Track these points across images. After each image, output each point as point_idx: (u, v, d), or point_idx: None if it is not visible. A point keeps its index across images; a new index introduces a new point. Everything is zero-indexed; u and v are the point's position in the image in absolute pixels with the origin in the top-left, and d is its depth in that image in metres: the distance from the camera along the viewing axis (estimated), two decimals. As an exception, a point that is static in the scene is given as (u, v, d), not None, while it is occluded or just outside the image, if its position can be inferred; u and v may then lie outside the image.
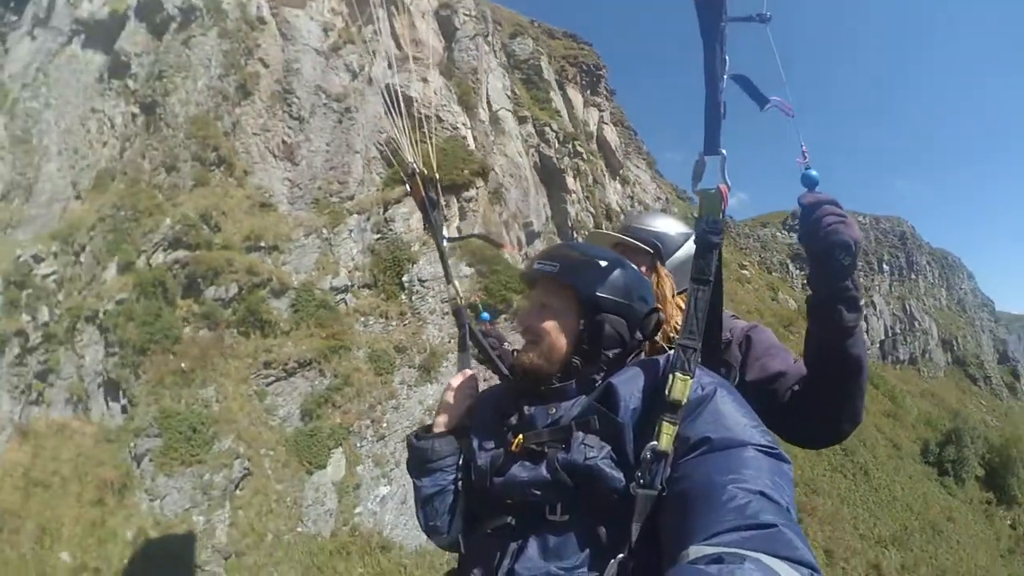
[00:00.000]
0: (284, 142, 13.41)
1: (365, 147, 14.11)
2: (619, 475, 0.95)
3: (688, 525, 0.80)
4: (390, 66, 14.29)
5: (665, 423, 0.93)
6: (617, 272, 1.17)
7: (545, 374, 1.14)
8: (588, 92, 26.82)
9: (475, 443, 1.22)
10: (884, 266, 52.30)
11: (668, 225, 1.66)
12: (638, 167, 30.45)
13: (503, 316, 11.85)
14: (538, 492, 1.02)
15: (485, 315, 1.77)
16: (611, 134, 27.23)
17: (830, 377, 1.22)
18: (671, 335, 1.34)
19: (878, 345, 42.39)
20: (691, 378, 0.96)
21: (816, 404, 1.26)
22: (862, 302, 1.17)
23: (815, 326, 1.21)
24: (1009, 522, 22.25)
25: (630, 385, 1.04)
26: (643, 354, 1.23)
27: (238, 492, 8.44)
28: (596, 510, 0.97)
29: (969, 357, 46.65)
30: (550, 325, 1.16)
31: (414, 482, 1.33)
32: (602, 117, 27.02)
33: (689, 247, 1.46)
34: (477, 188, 14.18)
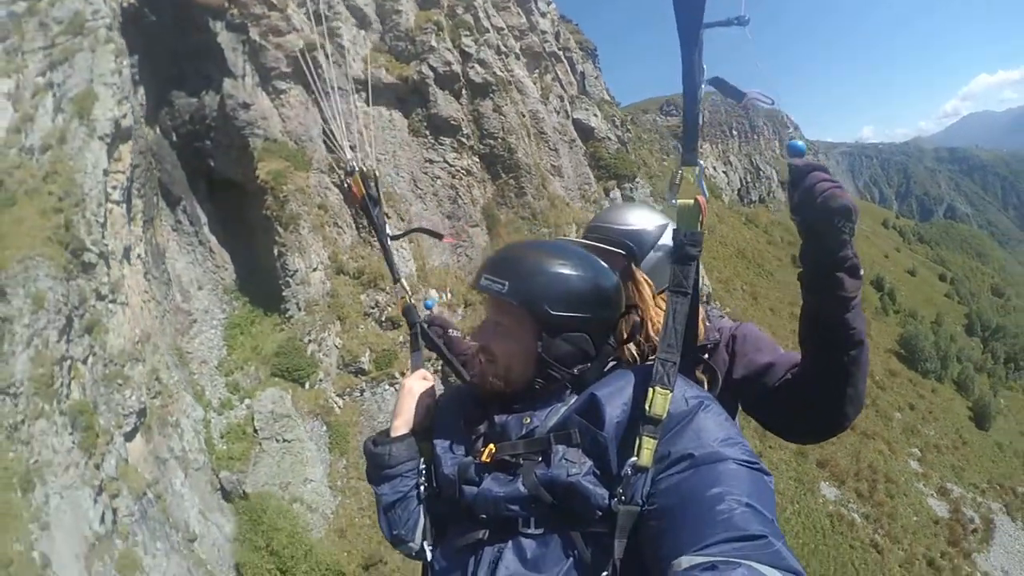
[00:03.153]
0: (552, 165, 24.45)
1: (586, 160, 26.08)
2: (602, 491, 1.00)
3: (677, 537, 0.88)
4: (570, 104, 26.29)
5: (645, 438, 0.99)
6: (575, 279, 1.17)
7: (508, 396, 1.20)
8: (591, 66, 39.46)
9: (439, 449, 1.27)
10: (733, 132, 78.44)
11: (642, 219, 1.65)
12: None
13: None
14: (514, 507, 1.06)
15: (429, 302, 1.86)
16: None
17: (829, 355, 1.25)
18: (654, 338, 1.31)
19: (736, 191, 68.20)
20: (671, 392, 1.03)
21: (815, 389, 1.30)
22: (862, 271, 1.19)
23: (813, 299, 1.23)
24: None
25: (615, 398, 1.08)
26: (620, 359, 1.27)
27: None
28: (574, 525, 1.02)
29: (796, 196, 77.97)
30: (505, 347, 1.20)
31: (374, 490, 1.36)
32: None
33: (668, 239, 1.46)
34: (638, 178, 27.64)
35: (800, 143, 1.20)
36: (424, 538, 1.28)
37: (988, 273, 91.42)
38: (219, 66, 22.04)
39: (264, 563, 14.69)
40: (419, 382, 1.47)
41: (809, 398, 1.31)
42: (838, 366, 1.25)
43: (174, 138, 23.33)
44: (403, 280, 1.75)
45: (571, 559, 1.01)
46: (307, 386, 18.13)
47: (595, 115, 27.00)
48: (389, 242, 1.80)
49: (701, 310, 1.43)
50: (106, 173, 18.15)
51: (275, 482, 16.38)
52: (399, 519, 1.31)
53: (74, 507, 12.83)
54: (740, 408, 1.50)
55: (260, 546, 14.88)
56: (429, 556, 1.25)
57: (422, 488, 1.30)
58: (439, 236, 2.27)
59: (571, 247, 1.29)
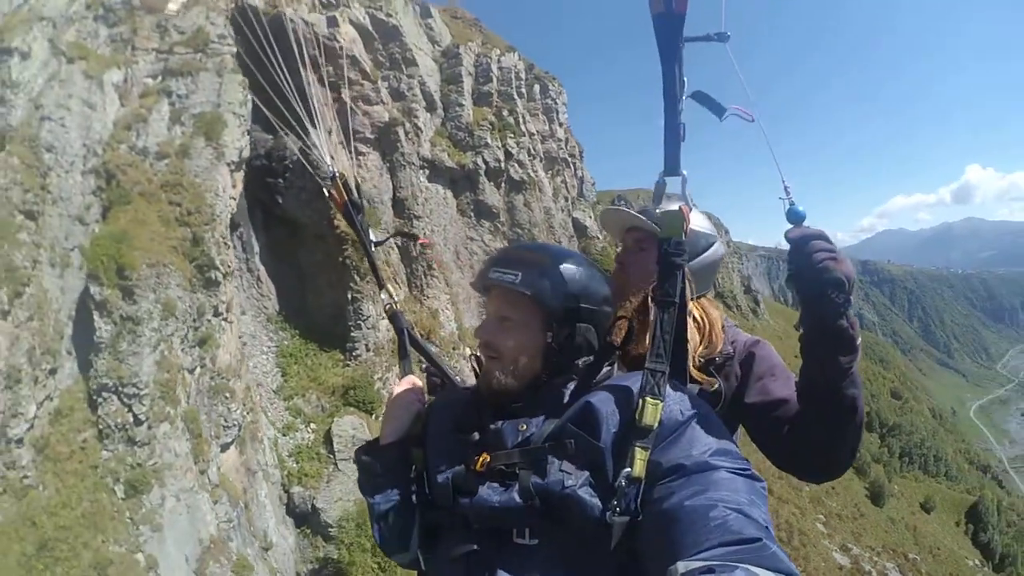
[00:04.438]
0: (562, 253, 31.57)
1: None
2: (596, 503, 1.04)
3: (672, 544, 0.91)
4: (572, 204, 34.30)
5: (637, 448, 1.04)
6: (581, 272, 1.23)
7: (514, 393, 1.23)
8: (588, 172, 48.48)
9: (431, 457, 1.31)
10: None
11: (697, 220, 1.61)
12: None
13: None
14: (508, 517, 1.11)
15: None
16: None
17: (825, 417, 1.32)
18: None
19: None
20: (661, 402, 1.07)
21: (813, 442, 1.37)
22: (858, 341, 1.23)
23: (809, 366, 1.30)
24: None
25: (610, 407, 1.12)
26: (616, 364, 1.33)
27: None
28: (568, 535, 1.06)
29: (725, 292, 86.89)
30: (513, 341, 1.23)
31: (367, 500, 1.40)
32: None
33: (715, 252, 1.60)
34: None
35: (800, 209, 1.20)
36: (417, 547, 1.32)
37: (889, 378, 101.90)
38: (307, 114, 26.30)
39: (369, 562, 17.54)
40: (408, 389, 1.52)
41: (809, 449, 1.38)
42: (834, 428, 1.33)
43: (244, 168, 23.42)
44: (388, 286, 1.92)
45: (565, 570, 1.05)
46: (374, 417, 22.67)
47: (590, 216, 34.94)
48: (372, 248, 1.92)
49: (719, 319, 1.58)
50: (231, 198, 19.66)
51: (349, 499, 18.69)
52: (392, 528, 1.36)
53: (192, 510, 14.07)
54: (742, 430, 1.55)
55: (367, 548, 17.69)
56: (423, 565, 1.31)
57: (414, 496, 1.34)
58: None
59: (566, 249, 1.39)
